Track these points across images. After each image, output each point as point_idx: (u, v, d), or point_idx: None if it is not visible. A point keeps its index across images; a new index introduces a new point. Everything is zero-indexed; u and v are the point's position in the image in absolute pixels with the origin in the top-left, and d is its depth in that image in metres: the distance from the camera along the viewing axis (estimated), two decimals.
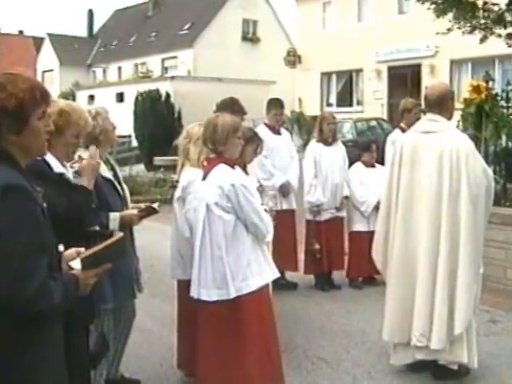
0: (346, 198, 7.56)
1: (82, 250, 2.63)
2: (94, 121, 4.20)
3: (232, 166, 4.11)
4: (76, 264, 2.52)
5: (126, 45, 46.43)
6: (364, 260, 7.22)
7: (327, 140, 7.49)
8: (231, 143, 4.11)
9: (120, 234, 2.71)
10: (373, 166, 7.75)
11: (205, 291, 4.04)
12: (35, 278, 2.23)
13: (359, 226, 7.62)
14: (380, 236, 5.00)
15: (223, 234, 3.98)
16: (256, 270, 4.03)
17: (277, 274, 4.25)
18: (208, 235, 4.03)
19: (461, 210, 4.50)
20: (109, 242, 2.61)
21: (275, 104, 7.54)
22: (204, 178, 4.14)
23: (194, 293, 4.12)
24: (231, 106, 6.07)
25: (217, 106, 6.14)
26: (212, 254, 4.01)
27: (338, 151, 7.57)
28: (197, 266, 4.10)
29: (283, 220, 6.84)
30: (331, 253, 7.50)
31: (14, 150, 2.36)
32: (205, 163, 4.21)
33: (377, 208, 7.11)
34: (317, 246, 7.39)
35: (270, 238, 4.27)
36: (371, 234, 6.70)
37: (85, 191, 3.49)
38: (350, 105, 29.14)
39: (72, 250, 2.64)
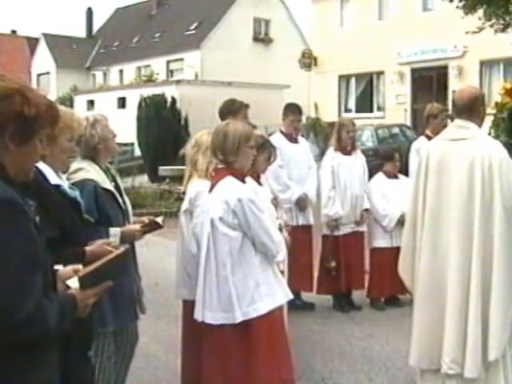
0: (367, 211, 7.55)
1: (80, 267, 2.62)
2: (93, 129, 4.23)
3: (241, 179, 4.11)
4: (73, 283, 2.49)
5: (128, 46, 46.70)
6: (386, 278, 7.20)
7: (346, 148, 7.48)
8: (243, 153, 4.12)
9: (122, 249, 2.70)
10: (395, 177, 7.74)
11: (210, 314, 4.03)
12: (29, 298, 2.19)
13: (381, 242, 7.59)
14: (407, 252, 4.97)
15: (229, 252, 3.98)
16: (265, 292, 4.02)
17: (289, 296, 4.24)
18: (213, 253, 4.03)
19: (494, 224, 4.47)
20: (110, 257, 2.59)
21: (293, 109, 7.54)
22: (210, 191, 4.16)
23: (198, 315, 4.10)
24: (230, 106, 6.09)
25: (219, 113, 6.16)
26: (217, 273, 4.01)
27: (358, 161, 7.57)
28: (201, 286, 4.10)
29: (299, 236, 6.84)
30: (350, 270, 7.49)
31: (7, 159, 2.34)
32: (213, 174, 4.22)
33: (400, 222, 7.13)
34: (333, 264, 7.37)
35: (281, 257, 4.26)
36: (394, 250, 6.70)
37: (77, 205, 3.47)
38: (371, 110, 29.13)
39: (68, 268, 2.63)
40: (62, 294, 2.46)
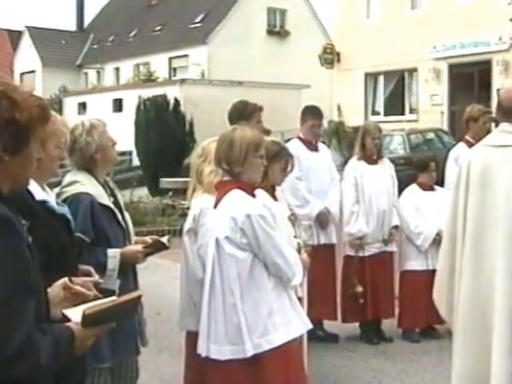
0: (396, 228, 7.55)
1: (68, 283, 2.63)
2: (89, 136, 4.25)
3: (250, 192, 4.13)
4: (75, 315, 2.50)
5: (124, 41, 46.97)
6: (420, 306, 7.18)
7: (371, 157, 7.51)
8: (251, 163, 4.14)
9: (137, 293, 2.73)
10: (431, 189, 7.73)
11: (215, 347, 4.03)
12: (18, 329, 2.18)
13: (414, 264, 7.58)
14: (443, 275, 4.96)
15: (237, 276, 3.99)
16: (280, 322, 4.02)
17: (308, 326, 4.24)
18: (218, 277, 4.04)
19: None
20: (123, 299, 2.62)
21: (313, 113, 7.57)
22: (215, 206, 4.18)
23: (201, 349, 4.10)
24: (241, 110, 6.10)
25: (229, 117, 6.18)
26: (224, 301, 4.01)
27: (385, 170, 7.59)
28: (205, 316, 4.11)
29: (321, 257, 6.85)
30: (378, 297, 7.49)
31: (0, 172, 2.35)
32: (217, 188, 4.24)
33: (436, 241, 7.13)
34: (359, 288, 7.36)
35: (298, 281, 4.25)
36: (429, 273, 6.70)
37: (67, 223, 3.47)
38: (402, 113, 29.12)
39: (57, 286, 2.63)
40: (58, 327, 2.44)
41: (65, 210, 3.49)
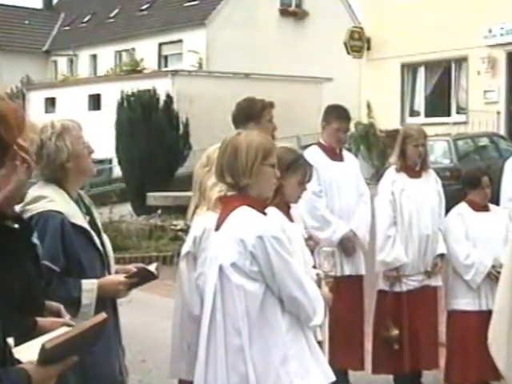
0: (442, 257, 7.53)
1: (43, 323, 2.64)
2: (59, 141, 4.27)
3: (261, 210, 4.15)
4: (25, 353, 2.53)
5: (103, 22, 47.07)
6: (472, 356, 7.16)
7: (413, 169, 7.52)
8: (260, 174, 4.16)
9: (102, 316, 2.75)
10: (485, 209, 7.71)
11: None
12: None
13: (464, 303, 7.54)
14: (502, 318, 4.96)
15: (245, 312, 4.00)
16: (296, 371, 4.03)
17: (331, 378, 4.24)
18: (221, 314, 4.05)
19: None
20: (86, 326, 2.65)
21: (337, 114, 7.59)
22: (217, 228, 4.20)
23: None
24: (248, 109, 6.10)
25: (233, 119, 6.20)
26: (227, 343, 4.02)
27: (431, 185, 7.60)
28: (203, 362, 4.12)
29: (346, 292, 6.87)
30: (418, 342, 7.47)
31: None
32: (221, 205, 4.25)
33: (492, 276, 7.10)
34: (394, 332, 7.35)
35: (318, 321, 4.26)
36: (483, 315, 6.68)
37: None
38: (447, 113, 29.06)
39: None
40: (15, 371, 2.47)
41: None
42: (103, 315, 2.75)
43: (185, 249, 4.84)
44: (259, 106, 6.17)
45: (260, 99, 6.25)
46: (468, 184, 7.83)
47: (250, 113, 6.10)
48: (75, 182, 4.42)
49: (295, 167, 4.86)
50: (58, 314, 3.32)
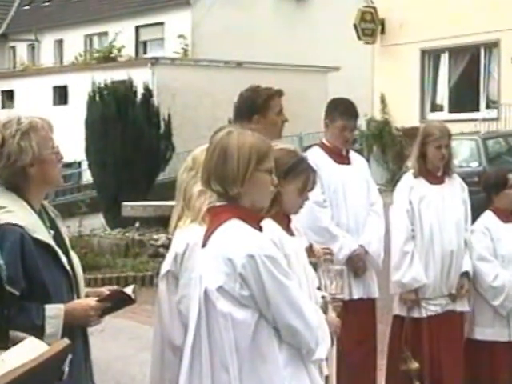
0: (468, 276, 7.51)
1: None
2: (23, 140, 4.26)
3: (255, 224, 4.15)
4: None
5: (70, 0, 47.07)
6: None
7: (434, 173, 7.51)
8: (253, 181, 4.15)
9: (64, 342, 2.74)
10: None
11: None
12: None
13: (491, 332, 7.54)
14: None
15: (234, 344, 3.98)
16: None
17: None
18: (206, 345, 4.05)
19: None
20: (46, 356, 2.63)
21: (344, 109, 7.59)
22: (204, 245, 4.19)
23: None
24: (253, 100, 6.08)
25: (235, 114, 6.19)
26: (213, 379, 4.01)
27: (455, 193, 7.60)
28: None
29: (356, 318, 6.84)
30: (442, 376, 7.46)
31: None
32: (207, 217, 4.25)
33: None
34: (415, 365, 7.35)
35: (322, 353, 4.25)
36: None
37: None
38: (476, 108, 29.12)
39: None
40: None
41: None
42: (66, 341, 2.75)
43: (164, 267, 4.84)
44: (264, 95, 6.13)
45: (266, 87, 6.23)
46: (492, 187, 7.72)
47: (254, 104, 6.07)
48: (38, 191, 4.42)
49: (296, 173, 4.85)
50: None
